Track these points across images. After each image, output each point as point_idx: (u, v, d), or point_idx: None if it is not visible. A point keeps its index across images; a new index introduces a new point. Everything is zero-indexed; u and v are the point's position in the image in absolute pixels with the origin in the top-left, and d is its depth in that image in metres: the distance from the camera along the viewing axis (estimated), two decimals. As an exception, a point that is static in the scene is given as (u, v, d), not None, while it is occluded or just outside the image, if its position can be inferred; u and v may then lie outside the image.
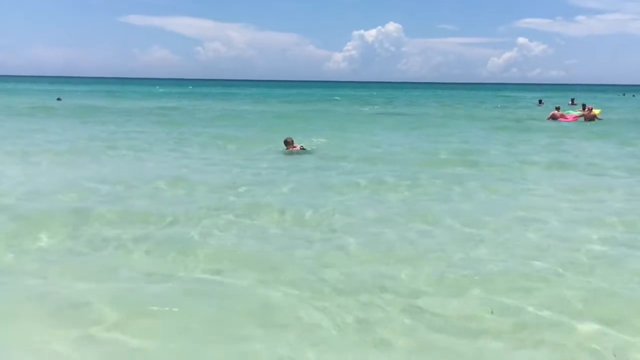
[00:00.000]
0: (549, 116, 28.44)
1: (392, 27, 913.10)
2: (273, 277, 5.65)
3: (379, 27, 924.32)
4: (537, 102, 48.26)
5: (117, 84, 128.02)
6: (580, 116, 27.66)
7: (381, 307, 4.97)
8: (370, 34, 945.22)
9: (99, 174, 11.14)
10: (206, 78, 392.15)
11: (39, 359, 4.10)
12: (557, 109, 29.43)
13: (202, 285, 5.48)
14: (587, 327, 4.61)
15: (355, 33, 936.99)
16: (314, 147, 15.60)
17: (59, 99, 44.21)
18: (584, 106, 30.97)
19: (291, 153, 14.73)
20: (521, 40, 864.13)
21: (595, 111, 27.82)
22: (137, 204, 8.76)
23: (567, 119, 27.64)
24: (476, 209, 8.73)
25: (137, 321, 4.63)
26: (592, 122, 26.10)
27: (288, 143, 15.02)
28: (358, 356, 4.20)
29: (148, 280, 5.59)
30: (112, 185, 9.92)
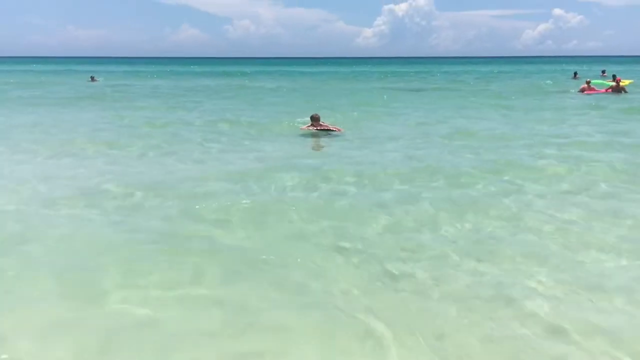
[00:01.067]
0: (579, 89, 28.67)
1: (422, 0, 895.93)
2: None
3: (410, 1, 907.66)
4: (573, 74, 47.45)
5: (150, 64, 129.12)
6: (609, 89, 27.77)
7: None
8: (401, 8, 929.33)
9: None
10: (236, 56, 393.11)
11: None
12: (588, 83, 29.47)
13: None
14: None
15: (386, 7, 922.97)
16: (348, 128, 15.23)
17: (92, 79, 45.51)
18: (613, 77, 31.23)
19: (326, 133, 13.87)
20: (557, 11, 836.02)
21: (625, 81, 27.86)
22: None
23: (595, 91, 27.86)
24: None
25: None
26: (620, 95, 26.19)
27: (315, 119, 14.02)
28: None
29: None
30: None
